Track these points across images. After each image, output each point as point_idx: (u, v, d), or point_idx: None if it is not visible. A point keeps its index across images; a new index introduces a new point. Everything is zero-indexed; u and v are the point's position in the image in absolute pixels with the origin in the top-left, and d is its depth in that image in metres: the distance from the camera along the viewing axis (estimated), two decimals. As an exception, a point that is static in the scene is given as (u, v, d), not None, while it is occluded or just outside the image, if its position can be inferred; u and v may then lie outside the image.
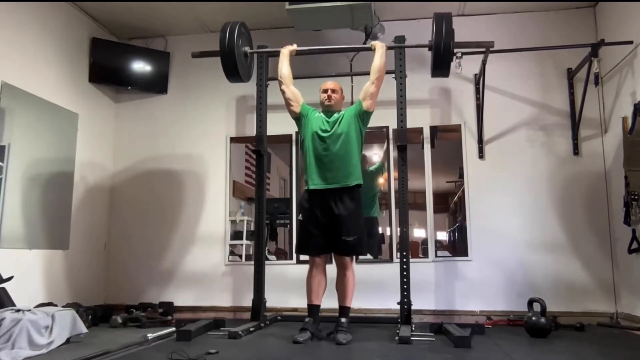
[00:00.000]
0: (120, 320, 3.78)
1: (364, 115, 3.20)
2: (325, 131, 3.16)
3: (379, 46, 3.27)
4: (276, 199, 5.60)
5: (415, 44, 3.56)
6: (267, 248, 4.24)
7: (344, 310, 3.14)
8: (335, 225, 3.06)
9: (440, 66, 3.27)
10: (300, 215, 3.23)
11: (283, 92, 3.30)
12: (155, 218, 4.65)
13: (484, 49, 3.78)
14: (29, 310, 2.80)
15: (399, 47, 3.65)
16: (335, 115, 3.23)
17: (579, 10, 4.33)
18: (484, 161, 4.30)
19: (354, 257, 3.19)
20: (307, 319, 3.13)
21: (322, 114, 3.27)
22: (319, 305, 3.18)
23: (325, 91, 3.26)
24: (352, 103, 4.42)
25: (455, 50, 3.96)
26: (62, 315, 2.93)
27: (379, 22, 4.29)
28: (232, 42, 3.38)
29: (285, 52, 3.38)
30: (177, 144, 4.73)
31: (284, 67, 3.32)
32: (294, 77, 4.22)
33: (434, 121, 4.42)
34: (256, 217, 3.89)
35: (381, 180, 5.09)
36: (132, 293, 4.47)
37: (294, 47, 3.43)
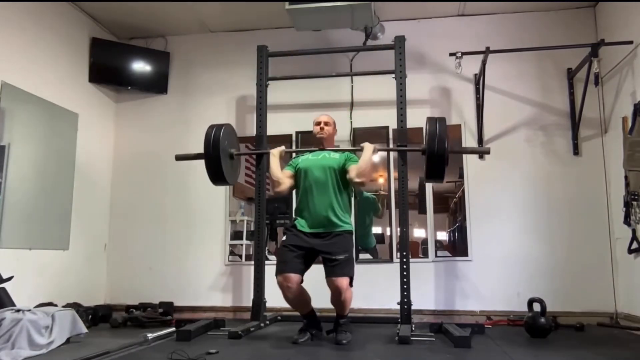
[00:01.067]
0: (120, 320, 3.79)
1: (344, 173, 3.08)
2: (313, 170, 3.08)
3: (368, 148, 3.09)
4: (276, 199, 5.60)
5: (407, 149, 3.54)
6: (267, 248, 4.23)
7: (342, 315, 3.07)
8: (324, 247, 2.94)
9: (434, 174, 3.04)
10: (285, 237, 3.08)
11: (281, 193, 3.15)
12: (155, 218, 4.65)
13: (482, 55, 3.78)
14: (29, 310, 2.80)
15: (389, 150, 3.60)
16: (324, 153, 3.16)
17: (579, 10, 4.33)
18: (484, 161, 4.30)
19: (350, 280, 2.94)
20: (304, 321, 3.12)
21: (308, 154, 3.21)
22: (312, 310, 3.11)
23: (318, 124, 3.24)
24: (352, 103, 4.44)
25: (455, 51, 4.01)
26: (62, 315, 2.93)
27: (379, 22, 4.29)
28: (217, 144, 3.21)
29: (275, 152, 3.24)
30: (177, 144, 4.71)
31: (277, 169, 3.15)
32: (294, 78, 4.26)
33: (434, 121, 4.41)
34: (256, 217, 3.89)
35: (375, 211, 5.11)
36: (132, 293, 4.47)
37: (282, 148, 3.31)
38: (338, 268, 2.88)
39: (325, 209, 2.99)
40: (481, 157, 4.29)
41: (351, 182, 3.05)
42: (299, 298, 2.98)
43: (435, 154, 2.93)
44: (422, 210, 4.58)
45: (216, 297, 4.43)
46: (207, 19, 4.61)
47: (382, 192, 5.49)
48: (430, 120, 3.05)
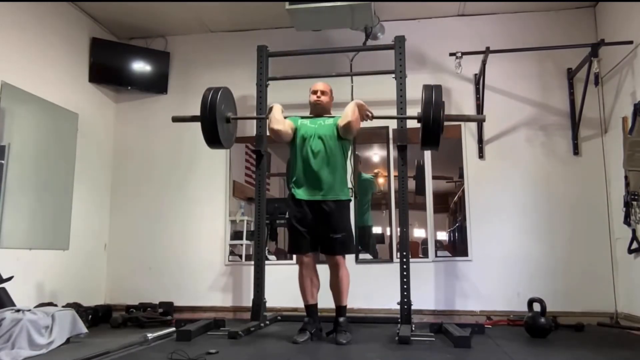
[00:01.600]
0: (120, 320, 3.79)
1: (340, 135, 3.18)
2: (311, 137, 3.16)
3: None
4: (276, 199, 5.61)
5: (403, 116, 3.60)
6: (267, 248, 4.24)
7: (340, 309, 3.14)
8: (323, 223, 3.08)
9: (430, 141, 3.08)
10: (288, 214, 3.24)
11: (278, 131, 3.16)
12: (155, 218, 4.65)
13: (482, 56, 3.78)
14: (29, 310, 2.81)
15: (385, 118, 3.64)
16: (320, 121, 3.24)
17: (579, 10, 4.33)
18: (484, 161, 4.30)
19: (345, 255, 3.14)
20: (306, 319, 3.16)
21: (306, 120, 3.28)
22: (315, 304, 3.21)
23: (315, 92, 3.31)
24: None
25: (455, 51, 4.01)
26: (62, 315, 2.94)
27: (379, 22, 4.29)
28: (213, 106, 3.25)
29: (277, 105, 3.28)
30: (177, 144, 4.72)
31: (279, 114, 3.21)
32: (294, 78, 4.26)
33: (434, 121, 4.41)
34: (256, 217, 3.89)
35: (374, 188, 5.31)
36: (132, 293, 4.46)
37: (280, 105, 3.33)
38: (338, 245, 3.08)
39: (323, 174, 3.09)
40: (481, 156, 4.30)
41: (341, 131, 3.12)
42: (312, 277, 3.16)
43: (431, 120, 2.95)
44: (419, 191, 4.58)
45: (216, 297, 4.43)
46: (207, 19, 4.62)
47: (379, 173, 5.61)
48: (426, 87, 3.07)
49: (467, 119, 3.76)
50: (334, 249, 3.08)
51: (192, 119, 3.44)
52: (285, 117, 3.28)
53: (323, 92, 3.30)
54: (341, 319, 3.09)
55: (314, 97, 3.30)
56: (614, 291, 3.94)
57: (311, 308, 3.19)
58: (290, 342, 2.98)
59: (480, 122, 4.20)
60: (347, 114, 3.09)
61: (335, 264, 3.10)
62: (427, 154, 4.39)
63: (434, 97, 2.97)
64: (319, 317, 3.20)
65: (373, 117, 3.27)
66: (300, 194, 3.13)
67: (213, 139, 3.33)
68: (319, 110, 3.29)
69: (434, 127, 2.97)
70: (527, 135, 4.26)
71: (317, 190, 3.09)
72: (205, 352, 2.60)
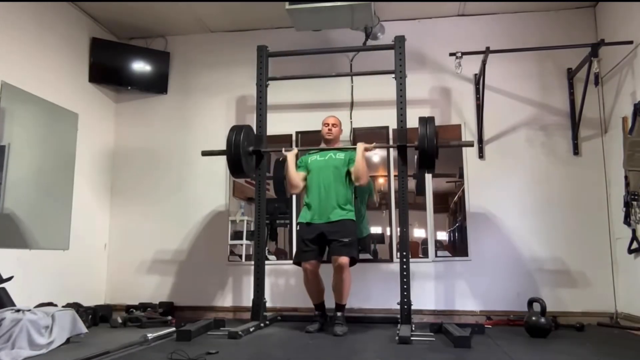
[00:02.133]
0: (120, 320, 3.79)
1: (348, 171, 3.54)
2: (321, 170, 3.52)
3: (358, 148, 3.48)
4: (276, 199, 5.60)
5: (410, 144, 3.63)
6: (267, 248, 4.24)
7: (340, 306, 3.37)
8: (331, 234, 3.36)
9: (426, 166, 3.44)
10: (297, 232, 3.62)
11: (296, 193, 3.72)
12: (155, 218, 4.65)
13: (481, 56, 3.78)
14: (29, 310, 2.80)
15: (384, 147, 3.92)
16: (330, 154, 3.59)
17: (579, 10, 4.33)
18: (484, 161, 4.30)
19: (349, 259, 3.32)
20: (316, 312, 3.51)
21: (316, 155, 3.63)
22: (322, 302, 3.54)
23: (327, 125, 3.68)
24: (352, 103, 4.45)
25: (455, 51, 4.01)
26: (62, 315, 2.93)
27: (379, 22, 4.29)
28: (237, 143, 3.58)
29: (291, 156, 3.59)
30: (177, 144, 4.73)
31: (295, 174, 3.56)
32: (294, 78, 4.26)
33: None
34: (256, 217, 3.89)
35: (371, 192, 5.25)
36: (132, 293, 4.47)
37: (296, 150, 3.68)
38: (344, 248, 3.31)
39: (332, 204, 3.42)
40: (481, 156, 4.30)
41: (354, 181, 3.51)
42: (316, 283, 3.45)
43: (426, 150, 3.34)
44: (419, 192, 4.59)
45: (216, 297, 4.43)
46: (207, 19, 4.62)
47: (376, 178, 5.59)
48: (421, 121, 3.40)
49: (457, 145, 3.92)
50: (340, 250, 3.31)
51: (221, 153, 3.76)
52: (301, 151, 3.74)
53: (334, 125, 3.67)
54: (339, 314, 3.33)
55: (325, 130, 3.67)
56: (614, 291, 3.94)
57: (319, 306, 3.54)
58: (290, 342, 2.99)
59: (471, 147, 4.21)
60: (358, 176, 3.43)
61: (339, 266, 3.27)
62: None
63: (427, 130, 3.33)
64: (326, 313, 3.53)
65: (375, 147, 3.56)
66: (311, 218, 3.44)
67: (238, 171, 3.70)
68: (330, 142, 3.67)
69: (430, 155, 3.35)
70: (527, 135, 4.26)
71: (326, 215, 3.41)
72: (206, 352, 2.59)
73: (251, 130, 3.84)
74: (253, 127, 4.10)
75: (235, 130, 3.66)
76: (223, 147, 3.90)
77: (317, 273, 3.43)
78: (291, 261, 4.36)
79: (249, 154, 3.75)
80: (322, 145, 3.71)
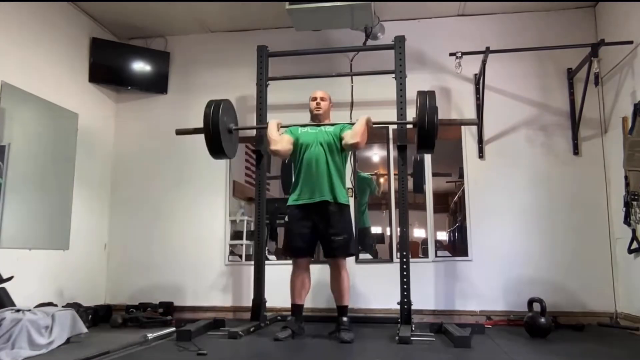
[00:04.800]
0: (120, 320, 3.79)
1: (341, 143, 3.25)
2: (312, 144, 3.23)
3: (362, 117, 3.23)
4: (276, 199, 5.60)
5: (400, 122, 3.63)
6: (267, 248, 4.24)
7: (342, 309, 3.19)
8: (324, 225, 3.14)
9: (425, 145, 3.18)
10: (287, 217, 3.32)
11: (277, 152, 3.23)
12: (155, 218, 4.65)
13: (481, 56, 3.78)
14: (29, 310, 2.81)
15: (384, 123, 3.62)
16: (321, 127, 3.32)
17: (579, 10, 4.33)
18: (484, 161, 4.30)
19: (346, 258, 3.21)
20: (289, 318, 3.23)
21: (307, 128, 3.35)
22: (302, 305, 3.27)
23: (315, 99, 3.40)
24: (351, 104, 4.44)
25: (455, 51, 4.01)
26: (62, 315, 2.93)
27: (379, 22, 4.29)
28: (216, 119, 3.30)
29: (273, 122, 3.32)
30: (177, 144, 4.72)
31: (275, 131, 3.25)
32: (294, 78, 4.26)
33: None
34: (256, 217, 3.89)
35: (372, 190, 5.27)
36: (132, 293, 4.47)
37: (279, 120, 3.38)
38: (340, 247, 3.13)
39: (323, 178, 3.16)
40: (481, 156, 4.30)
41: (346, 146, 3.22)
42: (303, 280, 3.22)
43: (426, 125, 3.07)
44: (417, 189, 4.60)
45: (216, 297, 4.43)
46: (207, 19, 4.61)
47: (378, 173, 5.59)
48: (421, 93, 3.17)
49: (460, 122, 3.81)
50: (335, 251, 3.15)
51: (195, 131, 3.49)
52: (284, 128, 3.36)
53: (322, 99, 3.39)
54: (344, 319, 3.13)
55: (313, 104, 3.39)
56: (614, 291, 3.94)
57: (297, 308, 3.25)
58: (290, 342, 2.98)
59: (475, 125, 4.20)
60: (356, 133, 3.14)
61: (336, 266, 3.18)
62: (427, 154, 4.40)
63: (427, 102, 3.07)
64: (302, 317, 3.28)
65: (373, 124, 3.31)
66: (301, 199, 3.19)
67: (217, 150, 3.39)
68: (319, 117, 3.38)
69: (429, 132, 3.09)
70: (527, 135, 4.26)
71: (317, 193, 3.15)
72: (196, 353, 2.59)
73: (231, 105, 3.56)
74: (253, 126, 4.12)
75: (213, 105, 3.33)
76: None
77: (307, 269, 3.26)
78: (291, 261, 4.40)
79: (229, 132, 3.48)
80: (311, 122, 3.42)
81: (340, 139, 3.22)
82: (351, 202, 4.16)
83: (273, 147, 3.20)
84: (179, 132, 3.67)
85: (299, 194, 3.20)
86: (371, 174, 5.56)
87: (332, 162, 3.20)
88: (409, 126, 3.52)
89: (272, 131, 3.25)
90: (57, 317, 2.87)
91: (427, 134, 3.10)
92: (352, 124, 3.29)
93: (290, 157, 3.34)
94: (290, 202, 3.25)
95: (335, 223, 3.13)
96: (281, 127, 3.36)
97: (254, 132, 4.08)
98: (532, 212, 4.15)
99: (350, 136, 3.15)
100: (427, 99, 3.10)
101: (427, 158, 4.40)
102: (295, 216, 3.21)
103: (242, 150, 5.47)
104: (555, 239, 4.08)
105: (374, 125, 3.29)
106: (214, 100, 3.40)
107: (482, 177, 4.27)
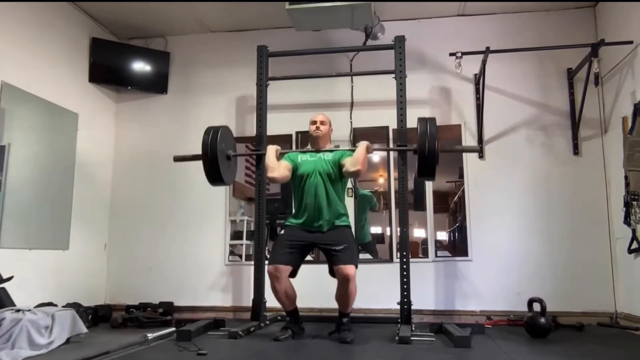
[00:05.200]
0: (120, 320, 3.78)
1: (340, 169, 3.18)
2: (311, 174, 3.17)
3: (362, 144, 3.16)
4: (276, 199, 5.60)
5: (399, 148, 3.59)
6: (267, 248, 4.23)
7: (344, 314, 3.12)
8: (322, 240, 3.07)
9: (426, 172, 3.11)
10: (284, 231, 3.21)
11: (274, 179, 3.19)
12: (155, 218, 4.65)
13: (481, 59, 3.78)
14: (29, 310, 2.81)
15: (383, 150, 3.60)
16: (319, 155, 3.26)
17: (579, 10, 4.33)
18: (484, 161, 4.30)
19: (356, 267, 3.00)
20: (288, 318, 3.20)
21: (306, 155, 3.28)
22: (295, 309, 3.19)
23: (314, 123, 3.31)
24: (352, 103, 4.44)
25: (455, 51, 4.01)
26: (62, 315, 2.93)
27: (379, 22, 4.29)
28: (214, 146, 3.26)
29: (271, 147, 3.28)
30: (177, 144, 4.71)
31: (273, 158, 3.20)
32: (294, 78, 4.26)
33: (434, 121, 4.41)
34: (256, 217, 3.89)
35: (372, 206, 5.24)
36: (132, 293, 4.46)
37: (278, 147, 3.32)
38: (343, 256, 2.98)
39: (323, 209, 3.09)
40: (481, 156, 4.30)
41: (347, 174, 3.15)
42: (285, 291, 3.06)
43: (426, 154, 3.01)
44: (418, 207, 4.60)
45: (216, 297, 4.43)
46: (207, 19, 4.61)
47: (379, 190, 5.56)
48: (421, 121, 3.11)
49: (461, 150, 3.77)
50: (340, 259, 2.98)
51: (194, 158, 3.45)
52: (283, 154, 3.31)
53: (322, 122, 3.31)
54: (345, 319, 3.10)
55: (313, 128, 3.30)
56: (614, 291, 3.94)
57: (292, 313, 3.19)
58: (290, 342, 2.98)
59: (477, 152, 4.20)
60: (357, 161, 3.07)
61: (345, 277, 2.94)
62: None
63: (428, 130, 3.02)
64: (300, 319, 3.22)
65: (373, 150, 3.27)
66: (303, 223, 3.13)
67: (215, 178, 3.35)
68: (318, 140, 3.29)
69: (430, 159, 3.03)
70: (527, 135, 4.26)
71: (316, 221, 3.10)
72: (196, 353, 2.59)
73: (229, 131, 3.54)
74: (253, 127, 4.12)
75: (212, 132, 3.30)
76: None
77: (287, 279, 3.07)
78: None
79: (228, 158, 3.45)
80: (309, 147, 3.34)
81: (340, 166, 3.16)
82: (351, 202, 4.19)
83: (270, 174, 3.16)
84: (177, 159, 3.64)
85: (300, 221, 3.14)
86: (371, 191, 5.48)
87: (332, 190, 3.14)
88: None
89: (270, 158, 3.21)
90: (57, 317, 2.87)
91: (427, 162, 3.05)
92: (352, 150, 3.22)
93: (289, 182, 3.27)
94: (288, 223, 3.21)
95: (335, 236, 3.07)
96: (280, 152, 3.31)
97: (253, 132, 4.08)
98: (532, 212, 4.15)
99: (351, 164, 3.08)
100: (427, 126, 3.04)
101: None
102: (292, 232, 3.15)
103: (242, 150, 5.47)
104: (555, 239, 4.08)
105: (374, 150, 3.27)
106: (213, 127, 3.36)
107: (482, 177, 4.27)
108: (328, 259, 3.09)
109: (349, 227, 3.19)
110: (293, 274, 3.12)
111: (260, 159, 3.93)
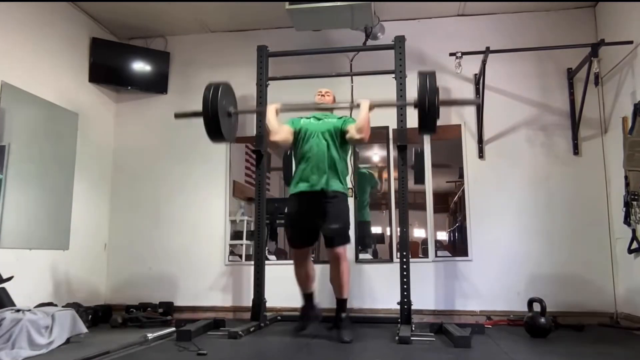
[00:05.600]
0: (120, 320, 3.79)
1: (343, 136, 3.21)
2: (314, 133, 3.21)
3: (364, 102, 3.20)
4: (276, 199, 5.60)
5: (400, 103, 3.61)
6: (267, 248, 4.24)
7: (341, 303, 3.16)
8: (321, 214, 3.09)
9: (427, 125, 3.08)
10: (287, 208, 3.31)
11: (276, 142, 3.21)
12: (155, 218, 4.65)
13: (480, 59, 3.77)
14: (29, 310, 2.81)
15: (384, 105, 3.57)
16: (324, 117, 3.31)
17: (579, 10, 4.33)
18: (484, 161, 4.30)
19: (346, 246, 3.10)
20: (304, 303, 3.32)
21: (310, 118, 3.33)
22: (312, 293, 3.32)
23: (320, 92, 3.45)
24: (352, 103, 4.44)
25: (455, 51, 4.01)
26: (62, 315, 2.94)
27: (379, 22, 4.29)
28: (215, 102, 3.23)
29: (273, 106, 3.30)
30: (177, 144, 4.72)
31: (274, 120, 3.22)
32: (294, 78, 4.26)
33: (434, 121, 4.41)
34: (256, 217, 3.89)
35: (372, 186, 5.25)
36: (132, 293, 4.46)
37: (278, 104, 3.35)
38: (338, 238, 3.07)
39: (323, 167, 3.12)
40: (481, 156, 4.30)
41: (351, 141, 3.21)
42: (306, 270, 3.23)
43: (427, 105, 2.98)
44: (418, 180, 4.58)
45: (216, 297, 4.43)
46: (207, 19, 4.61)
47: (379, 166, 5.57)
48: (421, 75, 3.06)
49: (461, 102, 3.75)
50: (333, 240, 3.08)
51: (194, 114, 3.43)
52: (285, 118, 3.33)
53: (327, 93, 3.44)
54: (343, 315, 3.11)
55: (318, 96, 3.42)
56: (614, 291, 3.94)
57: (308, 296, 3.31)
58: (290, 342, 2.99)
59: (476, 105, 4.20)
60: (361, 128, 3.09)
61: (336, 256, 3.07)
62: (427, 154, 4.40)
63: (428, 83, 3.00)
64: (316, 304, 3.34)
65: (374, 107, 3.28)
66: (301, 186, 3.16)
67: (215, 133, 3.30)
68: (323, 106, 3.38)
69: (430, 111, 3.00)
70: (527, 135, 4.26)
71: (317, 182, 3.11)
72: (196, 353, 2.59)
73: (230, 89, 3.49)
74: (253, 127, 4.12)
75: (212, 88, 3.25)
76: (224, 147, 3.92)
77: (309, 259, 3.25)
78: (292, 261, 4.40)
79: (229, 115, 3.40)
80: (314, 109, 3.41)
81: (343, 132, 3.19)
82: (351, 202, 4.19)
83: (272, 137, 3.16)
84: (178, 116, 3.61)
85: (298, 181, 3.17)
86: (370, 170, 5.53)
87: (334, 152, 3.16)
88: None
89: (271, 120, 3.22)
90: (57, 317, 2.87)
91: (428, 115, 3.01)
92: (354, 107, 3.28)
93: (291, 147, 3.30)
94: (290, 191, 3.24)
95: (331, 210, 3.09)
96: (281, 109, 3.34)
97: (253, 132, 4.08)
98: (532, 212, 4.15)
99: (356, 130, 3.11)
100: (427, 79, 3.01)
101: (427, 157, 4.40)
102: (295, 207, 3.21)
103: (242, 150, 5.48)
104: (555, 239, 4.08)
105: (376, 106, 3.26)
106: (213, 83, 3.31)
107: (482, 177, 4.27)
108: (324, 235, 3.14)
109: (346, 196, 3.22)
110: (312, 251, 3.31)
111: (260, 159, 3.93)
